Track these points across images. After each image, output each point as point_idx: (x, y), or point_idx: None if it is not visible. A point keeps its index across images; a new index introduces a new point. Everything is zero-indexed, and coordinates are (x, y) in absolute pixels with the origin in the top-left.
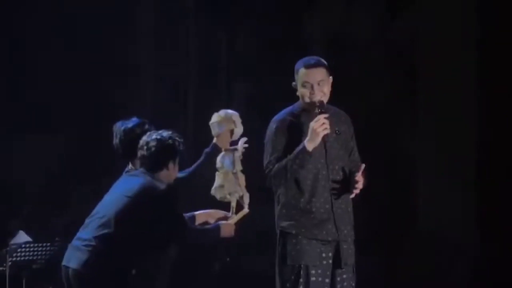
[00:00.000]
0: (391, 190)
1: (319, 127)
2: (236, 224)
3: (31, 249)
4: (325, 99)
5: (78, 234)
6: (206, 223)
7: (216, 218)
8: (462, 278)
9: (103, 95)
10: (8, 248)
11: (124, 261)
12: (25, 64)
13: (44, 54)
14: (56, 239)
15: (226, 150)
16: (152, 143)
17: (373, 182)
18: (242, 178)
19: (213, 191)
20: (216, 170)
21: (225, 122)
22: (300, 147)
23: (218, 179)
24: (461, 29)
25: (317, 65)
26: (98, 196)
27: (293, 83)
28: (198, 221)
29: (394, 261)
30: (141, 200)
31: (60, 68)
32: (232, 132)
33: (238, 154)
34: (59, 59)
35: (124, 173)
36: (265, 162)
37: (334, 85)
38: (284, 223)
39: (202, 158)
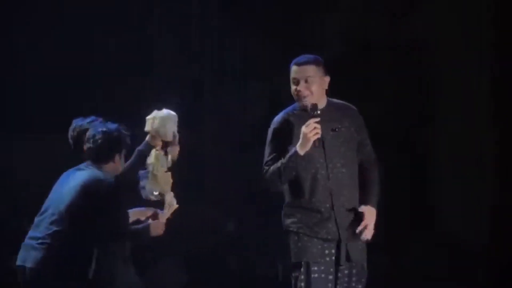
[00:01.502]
0: (407, 190)
1: (310, 132)
2: (166, 221)
3: None
4: (313, 99)
5: (31, 233)
6: (137, 221)
7: (147, 216)
8: (478, 279)
9: (116, 95)
10: None
11: (80, 256)
12: (33, 63)
13: (58, 53)
14: None
15: (158, 148)
16: (98, 136)
17: (388, 182)
18: (169, 176)
19: (144, 189)
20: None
21: (166, 121)
22: (292, 151)
23: (150, 177)
24: (476, 27)
25: (306, 62)
26: None
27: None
28: (130, 219)
29: (409, 262)
30: (89, 191)
31: (73, 68)
32: (167, 131)
33: (174, 153)
34: (72, 58)
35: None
36: (263, 163)
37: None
38: (287, 221)
39: (134, 155)
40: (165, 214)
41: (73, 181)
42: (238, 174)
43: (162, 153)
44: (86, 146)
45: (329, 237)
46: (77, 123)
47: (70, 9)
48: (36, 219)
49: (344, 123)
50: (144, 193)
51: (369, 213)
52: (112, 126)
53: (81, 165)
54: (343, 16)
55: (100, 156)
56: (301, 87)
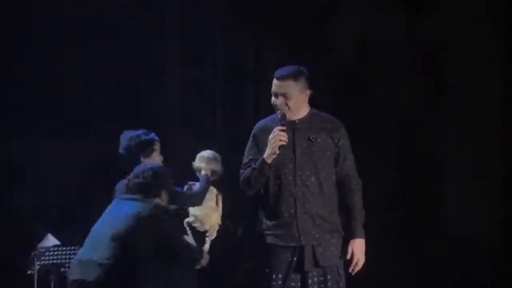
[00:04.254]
0: (417, 192)
1: (273, 138)
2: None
3: (59, 252)
4: (290, 113)
5: (87, 252)
6: None
7: None
8: (488, 282)
9: (131, 98)
10: (36, 252)
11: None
12: (47, 65)
13: (66, 55)
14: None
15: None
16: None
17: (399, 184)
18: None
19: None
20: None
21: (216, 162)
22: (261, 158)
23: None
24: (489, 30)
25: (286, 77)
26: None
27: None
28: None
29: (420, 264)
30: (148, 221)
31: (86, 70)
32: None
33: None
34: (86, 60)
35: (117, 193)
36: (240, 166)
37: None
38: (257, 225)
39: (204, 184)
40: (206, 247)
41: (129, 209)
42: None
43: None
44: (134, 180)
45: (292, 243)
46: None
47: (95, 11)
48: (89, 240)
49: (322, 135)
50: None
51: (358, 248)
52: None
53: (130, 196)
54: (351, 18)
55: (149, 191)
56: (279, 101)
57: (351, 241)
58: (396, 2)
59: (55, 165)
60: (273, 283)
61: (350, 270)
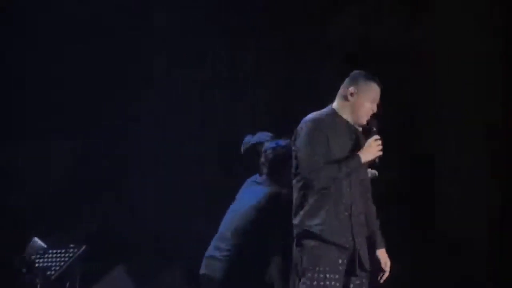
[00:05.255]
0: (414, 192)
1: (377, 147)
2: None
3: (46, 256)
4: None
5: (215, 243)
6: None
7: None
8: (478, 281)
9: (120, 102)
10: (23, 255)
11: (258, 267)
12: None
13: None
14: (71, 245)
15: None
16: (269, 151)
17: (393, 183)
18: None
19: None
20: None
21: None
22: (355, 157)
23: None
24: (484, 32)
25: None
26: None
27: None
28: None
29: (411, 263)
30: (267, 208)
31: (76, 76)
32: None
33: None
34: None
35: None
36: (306, 160)
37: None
38: (308, 222)
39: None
40: None
41: (253, 195)
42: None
43: None
44: (260, 160)
45: (347, 245)
46: (246, 139)
47: (85, 17)
48: (220, 229)
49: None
50: None
51: (387, 257)
52: (281, 142)
53: (258, 179)
54: (347, 20)
55: (272, 170)
56: (375, 108)
57: (381, 250)
58: (395, 2)
59: (44, 165)
60: (327, 283)
61: (379, 278)
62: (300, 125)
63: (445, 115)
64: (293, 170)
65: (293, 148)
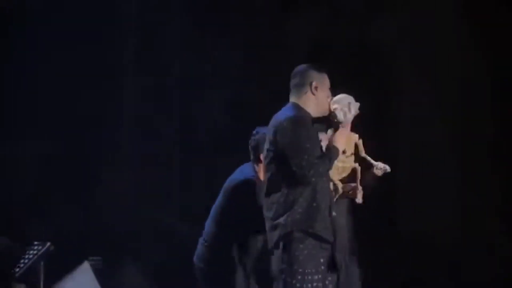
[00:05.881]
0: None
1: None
2: None
3: (8, 252)
4: None
5: (204, 231)
6: None
7: None
8: (443, 281)
9: (85, 102)
10: None
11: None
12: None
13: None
14: (35, 243)
15: None
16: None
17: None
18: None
19: None
20: None
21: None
22: (333, 148)
23: None
24: (442, 29)
25: None
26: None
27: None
28: None
29: (374, 264)
30: (233, 193)
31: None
32: None
33: None
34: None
35: None
36: (304, 159)
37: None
38: (306, 223)
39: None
40: None
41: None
42: (205, 182)
43: None
44: None
45: (330, 243)
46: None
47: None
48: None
49: None
50: None
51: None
52: (262, 129)
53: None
54: (307, 20)
55: (254, 156)
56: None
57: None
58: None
59: (11, 165)
60: (314, 284)
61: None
62: (281, 124)
63: (405, 113)
64: (273, 170)
65: (271, 148)
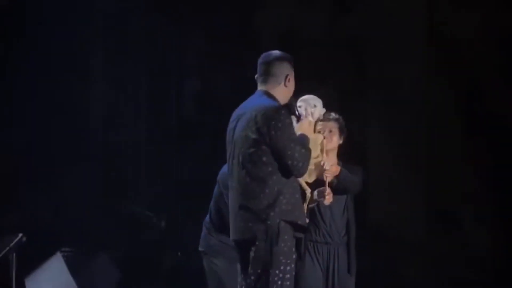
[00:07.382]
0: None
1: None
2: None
3: None
4: None
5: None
6: None
7: None
8: (411, 273)
9: (56, 96)
10: None
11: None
12: None
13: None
14: (7, 234)
15: None
16: None
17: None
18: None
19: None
20: None
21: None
22: (305, 137)
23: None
24: (411, 25)
25: None
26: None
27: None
28: None
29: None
30: None
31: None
32: None
33: None
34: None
35: None
36: (297, 148)
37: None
38: (293, 214)
39: None
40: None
41: None
42: (172, 172)
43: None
44: None
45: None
46: None
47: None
48: None
49: None
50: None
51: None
52: None
53: None
54: (279, 13)
55: None
56: None
57: None
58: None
59: None
60: (292, 273)
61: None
62: (266, 114)
63: (369, 107)
64: (255, 158)
65: (256, 137)
